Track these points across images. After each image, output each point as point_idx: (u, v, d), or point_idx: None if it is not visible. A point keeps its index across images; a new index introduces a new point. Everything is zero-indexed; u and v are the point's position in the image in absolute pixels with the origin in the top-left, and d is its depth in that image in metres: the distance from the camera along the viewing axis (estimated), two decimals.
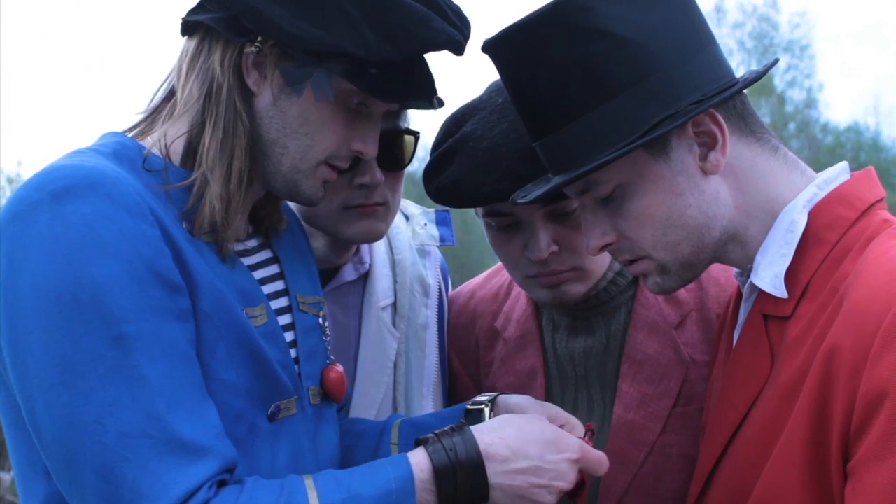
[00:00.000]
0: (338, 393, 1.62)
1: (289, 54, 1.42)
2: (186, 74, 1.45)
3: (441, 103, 1.55)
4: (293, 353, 1.55)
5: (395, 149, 1.84)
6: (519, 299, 2.07)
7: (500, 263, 2.24)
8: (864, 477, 1.25)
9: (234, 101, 1.43)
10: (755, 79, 1.50)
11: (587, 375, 1.93)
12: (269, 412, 1.45)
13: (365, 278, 2.02)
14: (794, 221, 1.47)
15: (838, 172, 1.52)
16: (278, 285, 1.59)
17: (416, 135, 1.89)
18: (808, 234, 1.46)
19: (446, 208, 2.11)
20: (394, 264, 2.05)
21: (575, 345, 1.95)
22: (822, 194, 1.49)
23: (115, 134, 1.47)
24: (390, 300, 2.02)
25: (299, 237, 1.73)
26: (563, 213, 1.80)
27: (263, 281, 1.55)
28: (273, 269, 1.59)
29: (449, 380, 2.16)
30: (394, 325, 2.02)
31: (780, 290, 1.46)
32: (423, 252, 2.10)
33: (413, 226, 2.11)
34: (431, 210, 2.13)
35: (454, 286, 2.30)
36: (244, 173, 1.43)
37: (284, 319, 1.56)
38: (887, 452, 1.22)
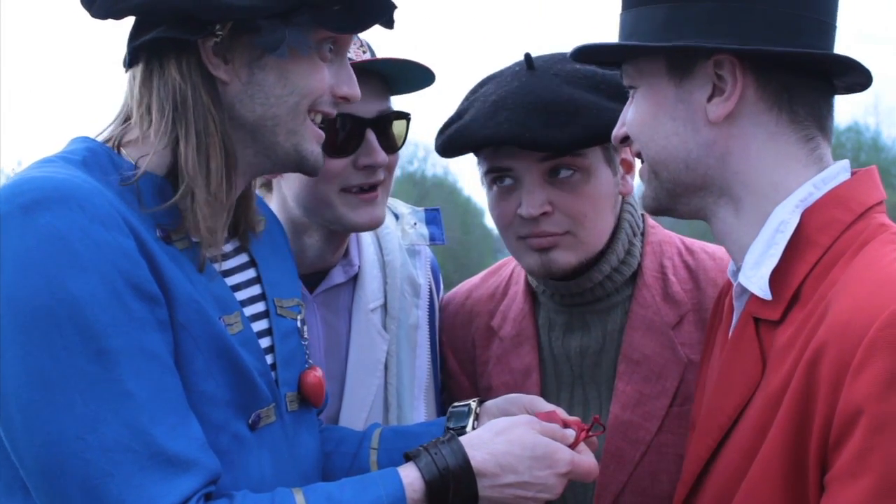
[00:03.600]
0: (316, 397, 1.60)
1: (253, 28, 1.40)
2: (141, 98, 1.41)
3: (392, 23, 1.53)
4: (270, 359, 1.54)
5: (389, 131, 1.88)
6: (516, 298, 2.07)
7: (497, 263, 2.25)
8: (837, 492, 1.24)
9: (203, 102, 1.40)
10: (811, 58, 1.45)
11: (583, 374, 1.94)
12: (249, 421, 1.44)
13: (355, 280, 2.02)
14: (784, 221, 1.44)
15: (837, 171, 1.48)
16: (255, 290, 1.57)
17: (407, 117, 1.92)
18: (801, 236, 1.43)
19: (436, 207, 2.14)
20: (384, 265, 2.05)
21: (571, 343, 1.96)
22: (818, 194, 1.45)
23: (84, 139, 1.44)
24: (380, 302, 2.02)
25: (278, 237, 1.72)
26: (561, 175, 1.85)
27: (239, 286, 1.53)
28: (249, 274, 1.57)
29: (444, 381, 2.15)
30: (384, 326, 2.01)
31: (764, 291, 1.43)
32: (412, 252, 2.10)
33: (403, 225, 2.11)
34: (421, 209, 2.14)
35: (453, 286, 2.30)
36: (222, 170, 1.41)
37: (261, 325, 1.54)
38: (861, 470, 1.21)
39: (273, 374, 1.53)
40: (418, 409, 2.00)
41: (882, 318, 1.22)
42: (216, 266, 1.48)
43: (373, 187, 1.87)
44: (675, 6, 1.48)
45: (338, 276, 1.99)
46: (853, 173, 1.49)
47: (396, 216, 2.14)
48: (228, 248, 1.55)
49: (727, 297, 1.67)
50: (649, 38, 1.49)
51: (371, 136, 1.84)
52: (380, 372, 1.98)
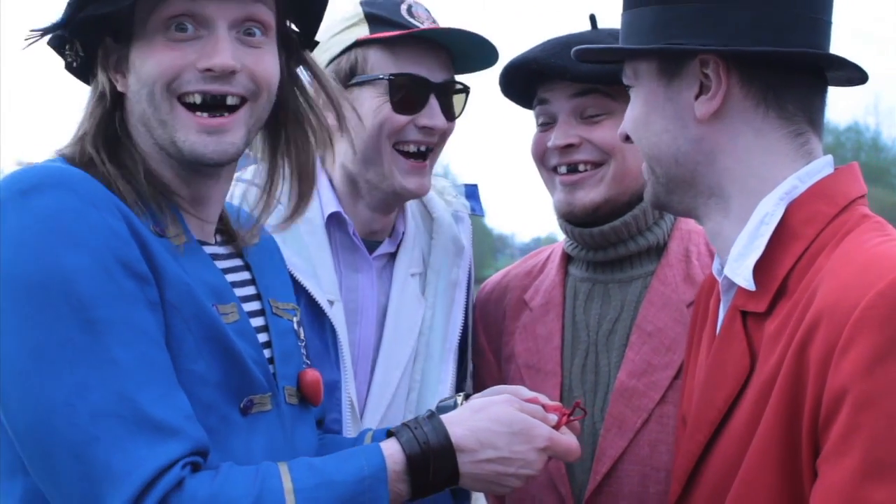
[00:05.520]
0: (314, 395, 1.63)
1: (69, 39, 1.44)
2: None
3: None
4: (267, 353, 1.56)
5: (450, 100, 2.02)
6: (550, 273, 2.14)
7: (539, 248, 2.36)
8: (825, 473, 1.26)
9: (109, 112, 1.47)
10: (793, 56, 1.47)
11: (597, 341, 2.00)
12: (241, 405, 1.46)
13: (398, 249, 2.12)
14: (769, 213, 1.46)
15: (822, 166, 1.50)
16: (249, 290, 1.60)
17: (467, 90, 2.07)
18: (786, 229, 1.45)
19: (474, 182, 2.29)
20: (430, 228, 2.17)
21: (591, 311, 2.03)
22: (802, 188, 1.47)
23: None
24: (420, 269, 2.13)
25: (274, 253, 1.76)
26: (591, 114, 1.98)
27: (234, 285, 1.56)
28: (244, 275, 1.61)
29: (474, 359, 2.21)
30: (423, 292, 2.11)
31: (748, 282, 1.45)
32: (457, 217, 2.21)
33: (445, 196, 2.24)
34: (461, 184, 2.29)
35: None
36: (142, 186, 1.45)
37: (257, 322, 1.57)
38: (847, 448, 1.22)
39: (272, 367, 1.55)
40: (447, 362, 2.08)
41: (868, 297, 1.24)
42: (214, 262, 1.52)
43: (423, 155, 1.99)
44: (665, 8, 1.51)
45: (388, 245, 2.10)
46: (836, 169, 1.52)
47: (437, 193, 2.24)
48: (222, 251, 1.59)
49: (710, 296, 1.69)
50: (642, 40, 1.53)
51: (434, 100, 1.98)
52: (414, 336, 2.07)
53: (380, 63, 1.96)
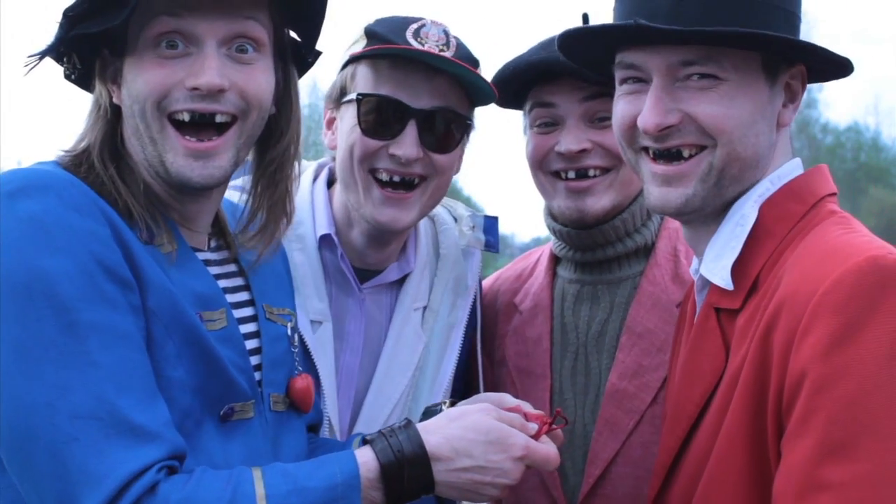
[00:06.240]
0: (304, 402, 1.63)
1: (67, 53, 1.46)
2: None
3: None
4: (256, 359, 1.56)
5: (438, 129, 1.85)
6: (539, 276, 2.13)
7: (529, 251, 2.31)
8: (786, 456, 1.28)
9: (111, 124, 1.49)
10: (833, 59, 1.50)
11: (587, 343, 1.99)
12: (221, 412, 1.47)
13: (405, 279, 2.02)
14: (744, 215, 1.49)
15: (792, 168, 1.54)
16: (242, 296, 1.61)
17: (466, 121, 1.88)
18: (759, 229, 1.48)
19: (495, 215, 2.14)
20: (436, 262, 2.05)
21: (580, 313, 2.02)
22: (773, 189, 1.51)
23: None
24: (424, 303, 2.02)
25: (276, 257, 1.74)
26: (602, 117, 1.91)
27: (226, 290, 1.56)
28: (237, 281, 1.62)
29: (472, 364, 2.13)
30: (423, 326, 2.01)
31: (726, 282, 1.47)
32: (467, 253, 2.09)
33: (461, 226, 2.11)
34: (481, 215, 2.14)
35: None
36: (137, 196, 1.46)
37: (248, 328, 1.58)
38: (804, 431, 1.25)
39: (258, 374, 1.56)
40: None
41: (826, 284, 1.27)
42: (207, 268, 1.53)
43: (406, 186, 1.84)
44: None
45: (392, 273, 2.00)
46: (806, 171, 1.56)
47: (455, 218, 2.14)
48: (215, 256, 1.60)
49: (691, 298, 1.70)
50: (729, 20, 1.44)
51: (412, 127, 1.82)
52: (411, 372, 1.97)
53: (361, 82, 1.85)
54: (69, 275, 1.29)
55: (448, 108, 1.84)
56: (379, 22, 1.87)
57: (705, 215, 1.54)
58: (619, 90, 1.59)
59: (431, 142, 1.84)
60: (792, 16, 1.49)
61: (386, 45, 1.79)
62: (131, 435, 1.28)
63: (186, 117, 1.43)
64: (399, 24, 1.82)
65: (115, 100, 1.48)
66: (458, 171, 1.97)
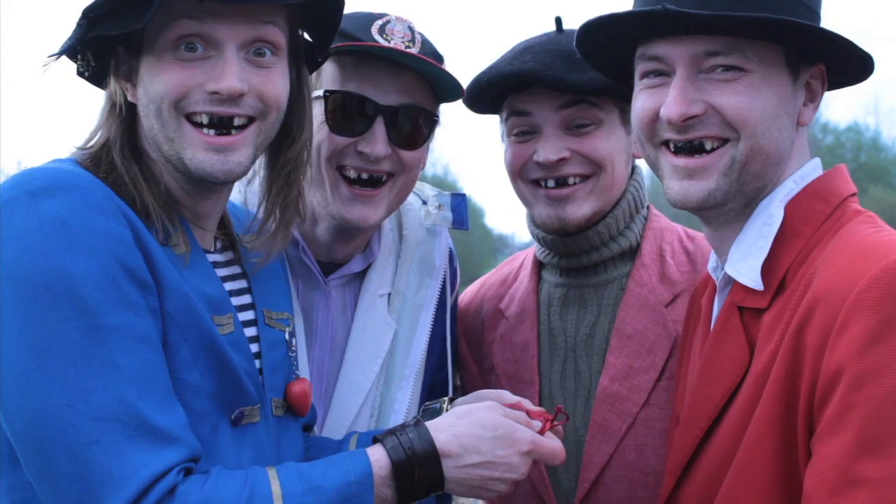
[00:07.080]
0: (301, 406, 1.64)
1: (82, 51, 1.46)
2: None
3: None
4: (257, 364, 1.57)
5: (404, 126, 1.84)
6: (523, 281, 2.11)
7: (513, 255, 2.29)
8: (819, 450, 1.28)
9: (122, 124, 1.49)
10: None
11: (576, 347, 1.97)
12: (232, 416, 1.47)
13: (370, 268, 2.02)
14: (771, 215, 1.49)
15: (812, 168, 1.54)
16: (244, 299, 1.61)
17: (431, 116, 1.87)
18: (786, 228, 1.47)
19: (462, 192, 2.14)
20: (399, 245, 2.04)
21: (567, 317, 2.00)
22: (797, 189, 1.51)
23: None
24: (389, 289, 2.02)
25: (276, 260, 1.74)
26: (579, 125, 1.90)
27: (231, 294, 1.57)
28: (240, 284, 1.62)
29: (460, 371, 2.16)
30: (390, 311, 2.00)
31: (756, 283, 1.47)
32: (432, 232, 2.08)
33: (428, 207, 2.09)
34: (448, 193, 2.11)
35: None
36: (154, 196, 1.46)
37: (250, 332, 1.58)
38: (840, 426, 1.25)
39: (260, 378, 1.56)
40: (404, 391, 1.97)
41: (863, 281, 1.27)
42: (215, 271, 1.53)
43: (374, 183, 1.84)
44: None
45: (356, 264, 1.99)
46: (825, 171, 1.56)
47: (424, 201, 2.12)
48: (221, 258, 1.60)
49: (702, 296, 1.69)
50: (761, 6, 1.43)
51: (380, 124, 1.81)
52: (381, 360, 1.95)
53: (328, 79, 1.84)
54: (92, 277, 1.29)
55: (415, 105, 1.84)
56: (347, 18, 1.83)
57: (726, 213, 1.53)
58: (640, 84, 1.57)
59: (399, 138, 1.84)
60: (814, 14, 1.49)
61: (352, 41, 1.78)
62: (152, 437, 1.28)
63: (205, 119, 1.43)
64: (364, 21, 1.82)
65: (129, 98, 1.47)
66: (424, 167, 1.96)
